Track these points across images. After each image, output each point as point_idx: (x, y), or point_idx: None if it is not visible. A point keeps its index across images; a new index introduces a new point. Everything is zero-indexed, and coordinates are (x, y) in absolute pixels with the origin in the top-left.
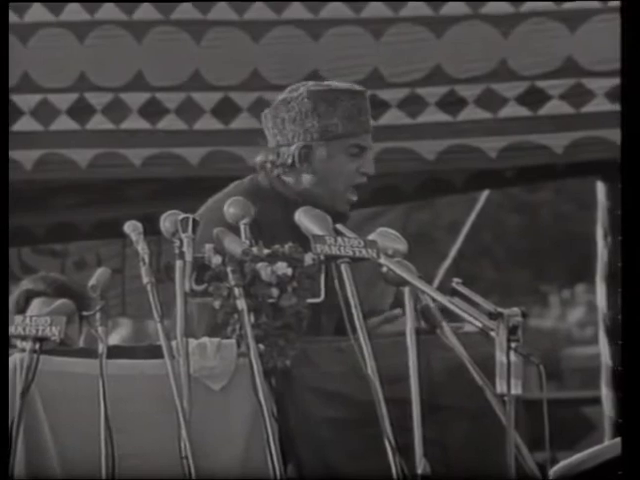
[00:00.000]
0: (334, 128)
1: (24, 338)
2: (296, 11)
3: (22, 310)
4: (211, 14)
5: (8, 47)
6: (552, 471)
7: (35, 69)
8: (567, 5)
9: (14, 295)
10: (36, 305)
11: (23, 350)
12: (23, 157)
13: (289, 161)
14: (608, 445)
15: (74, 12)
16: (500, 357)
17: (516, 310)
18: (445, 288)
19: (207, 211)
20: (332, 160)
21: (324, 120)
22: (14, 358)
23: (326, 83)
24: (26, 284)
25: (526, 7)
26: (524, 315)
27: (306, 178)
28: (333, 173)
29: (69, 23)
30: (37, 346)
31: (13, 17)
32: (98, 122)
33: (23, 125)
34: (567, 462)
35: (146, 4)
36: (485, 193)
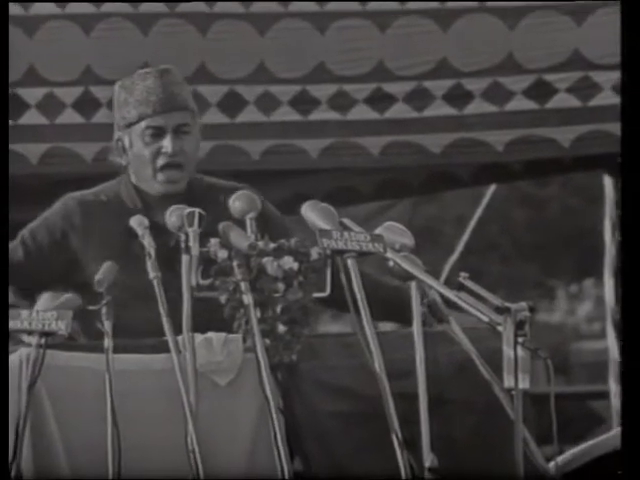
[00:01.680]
0: (128, 114)
1: (30, 333)
2: (302, 4)
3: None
4: (217, 7)
5: (8, 43)
6: (558, 460)
7: (41, 62)
8: None
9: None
10: (44, 299)
11: (29, 345)
12: (29, 151)
13: (116, 158)
14: (610, 435)
15: (80, 5)
16: (507, 351)
17: (523, 305)
18: (452, 282)
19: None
20: (135, 147)
21: (123, 109)
22: (20, 353)
23: (137, 72)
24: None
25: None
26: (532, 309)
27: (131, 172)
28: (139, 159)
29: (75, 15)
30: (43, 341)
31: (19, 10)
32: (104, 116)
33: (29, 119)
34: (571, 452)
35: None
36: (492, 187)
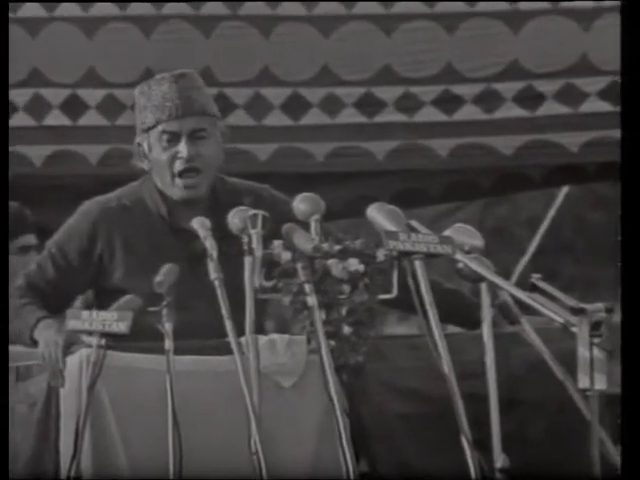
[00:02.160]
0: (146, 119)
1: (91, 333)
2: (367, 6)
3: (91, 306)
4: (280, 9)
5: (8, 43)
6: None
7: (101, 64)
8: None
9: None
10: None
11: (90, 346)
12: (88, 151)
13: (137, 163)
14: None
15: (140, 7)
16: (583, 352)
17: (600, 306)
18: (523, 284)
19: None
20: (153, 151)
21: (142, 113)
22: (80, 354)
23: (156, 77)
24: None
25: (608, 1)
26: (608, 310)
27: (152, 173)
28: (157, 163)
29: (135, 17)
30: (103, 341)
31: (78, 11)
32: None
33: (89, 120)
34: None
35: None
36: (565, 188)
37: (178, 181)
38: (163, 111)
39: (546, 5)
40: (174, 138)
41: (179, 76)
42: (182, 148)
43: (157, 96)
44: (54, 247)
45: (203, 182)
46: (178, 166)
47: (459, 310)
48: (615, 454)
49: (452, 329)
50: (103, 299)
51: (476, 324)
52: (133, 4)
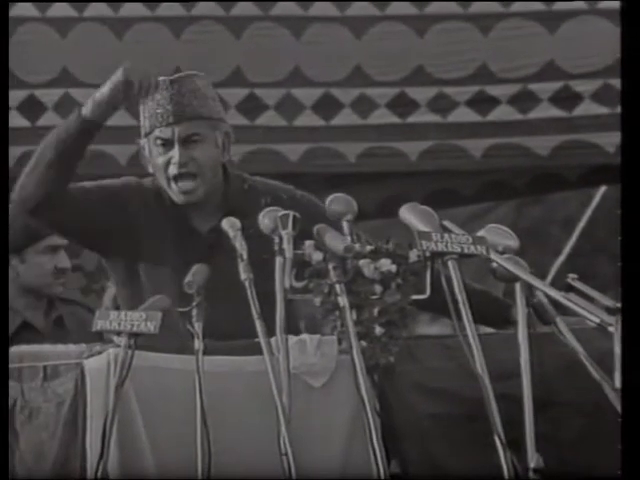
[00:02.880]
0: (143, 123)
1: (119, 333)
2: (400, 7)
3: (119, 306)
4: (312, 10)
5: (8, 44)
6: None
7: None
8: None
9: (111, 290)
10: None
11: (118, 345)
12: (118, 152)
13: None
14: None
15: (169, 7)
16: (619, 352)
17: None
18: (559, 284)
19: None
20: (150, 156)
21: (142, 118)
22: (108, 353)
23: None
24: None
25: None
26: None
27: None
28: (155, 167)
29: (165, 18)
30: (132, 341)
31: (108, 11)
32: None
33: (118, 120)
34: None
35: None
36: (602, 188)
37: (174, 186)
38: (156, 117)
39: (582, 5)
40: (168, 143)
41: (173, 81)
42: (175, 154)
43: (152, 102)
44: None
45: (200, 186)
46: (172, 171)
47: (487, 310)
48: None
49: (484, 329)
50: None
51: (504, 324)
52: (163, 4)
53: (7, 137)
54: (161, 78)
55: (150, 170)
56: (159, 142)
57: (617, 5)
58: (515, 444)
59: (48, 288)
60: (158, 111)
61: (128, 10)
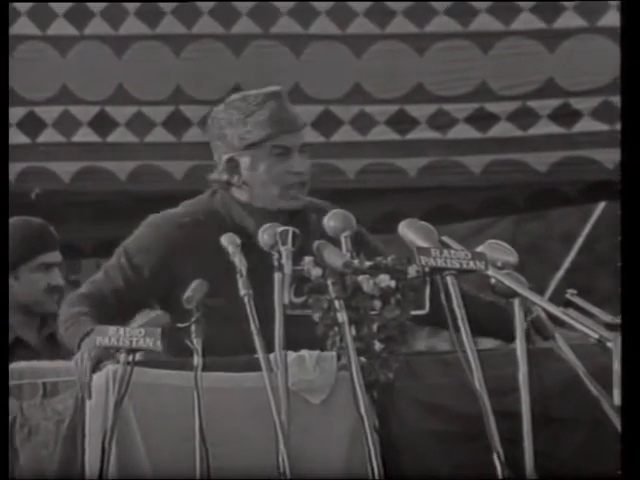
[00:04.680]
0: (248, 135)
1: (118, 350)
2: (400, 26)
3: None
4: (312, 28)
5: (8, 44)
6: None
7: (131, 81)
8: None
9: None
10: (139, 317)
11: (117, 362)
12: (117, 168)
13: (224, 177)
14: None
15: (170, 25)
16: (619, 368)
17: None
18: (557, 300)
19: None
20: (257, 167)
21: (238, 129)
22: (107, 370)
23: (243, 93)
24: None
25: None
26: None
27: (244, 190)
28: (262, 179)
29: (165, 36)
30: (131, 358)
31: (108, 29)
32: (194, 135)
33: (118, 137)
34: None
35: (244, 18)
36: (601, 204)
37: (287, 194)
38: (273, 126)
39: (582, 24)
40: (286, 152)
41: (280, 92)
42: (295, 162)
43: (262, 111)
44: (123, 257)
45: (304, 195)
46: (290, 180)
47: (497, 323)
48: None
49: (485, 344)
50: (171, 315)
51: (510, 337)
52: (163, 23)
53: (7, 138)
54: (271, 88)
55: (234, 182)
56: (276, 151)
57: (616, 23)
58: (515, 462)
59: (41, 305)
60: (276, 119)
61: (128, 28)
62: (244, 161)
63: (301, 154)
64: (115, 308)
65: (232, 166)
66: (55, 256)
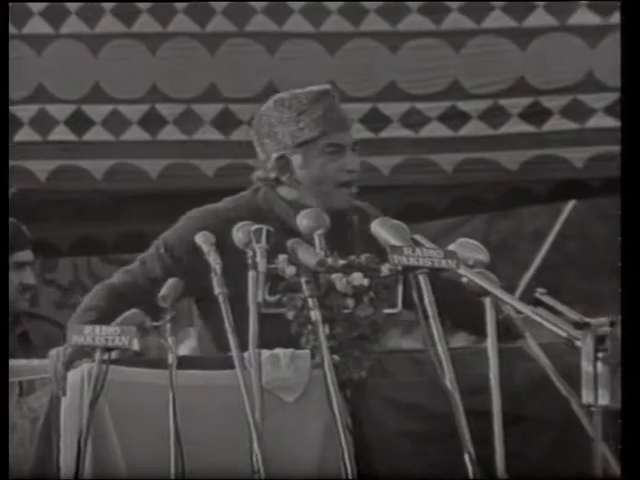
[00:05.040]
0: (301, 133)
1: (93, 348)
2: (374, 23)
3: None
4: (286, 26)
5: (8, 45)
6: None
7: (107, 80)
8: None
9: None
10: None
11: (93, 360)
12: (93, 167)
13: (272, 175)
14: None
15: (146, 24)
16: (587, 367)
17: (604, 320)
18: (528, 298)
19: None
20: (310, 165)
21: (290, 127)
22: (82, 369)
23: (292, 91)
24: None
25: (615, 18)
26: (612, 324)
27: (293, 188)
28: (315, 177)
29: (141, 34)
30: (106, 356)
31: (84, 27)
32: (170, 133)
33: (94, 135)
34: None
35: (219, 16)
36: (571, 203)
37: (341, 191)
38: (327, 124)
39: (553, 22)
40: (340, 150)
41: (332, 91)
42: (350, 160)
43: (312, 110)
44: (162, 248)
45: (355, 194)
46: (344, 177)
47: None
48: (618, 470)
49: (455, 344)
50: (204, 308)
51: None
52: (139, 21)
53: (7, 139)
54: (322, 87)
55: (284, 180)
56: (330, 149)
57: (586, 21)
58: (486, 461)
59: (13, 304)
60: (333, 117)
61: (104, 27)
62: (296, 159)
63: (353, 152)
64: (151, 295)
65: (283, 164)
66: (27, 255)
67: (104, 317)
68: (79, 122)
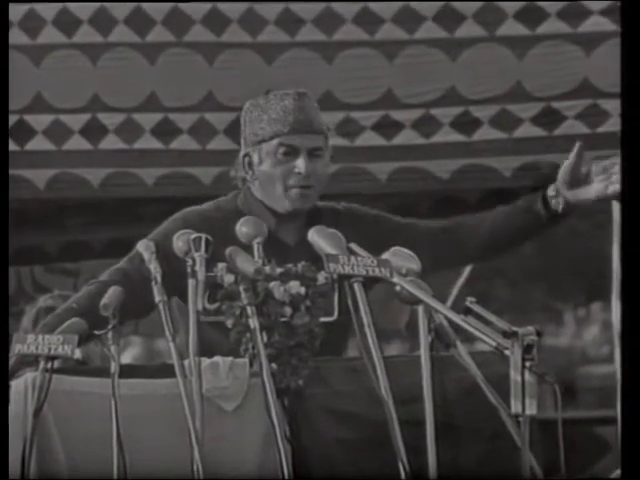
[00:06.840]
0: (261, 131)
1: (37, 357)
2: (310, 33)
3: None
4: (225, 36)
5: (8, 46)
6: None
7: (48, 90)
8: (582, 28)
9: (31, 313)
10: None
11: (35, 369)
12: (36, 176)
13: (239, 173)
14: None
15: (87, 34)
16: (515, 376)
17: (531, 329)
18: (459, 307)
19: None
20: (264, 163)
21: (255, 125)
22: (25, 378)
23: (272, 92)
24: (43, 302)
25: (541, 29)
26: (539, 334)
27: (254, 185)
28: (268, 176)
29: (82, 45)
30: (49, 365)
31: (25, 39)
32: (111, 142)
33: (36, 144)
34: None
35: (159, 26)
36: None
37: (290, 195)
38: (284, 124)
39: (483, 33)
40: (292, 152)
41: (301, 94)
42: (300, 164)
43: (277, 109)
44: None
45: (313, 200)
46: (292, 181)
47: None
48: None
49: (388, 352)
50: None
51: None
52: (80, 31)
53: (7, 140)
54: (297, 90)
55: (248, 178)
56: (282, 150)
57: (514, 32)
58: (420, 470)
59: None
60: (287, 118)
61: (46, 37)
62: (255, 157)
63: (310, 157)
64: (142, 288)
65: (247, 162)
66: None
67: (84, 314)
68: (21, 132)
